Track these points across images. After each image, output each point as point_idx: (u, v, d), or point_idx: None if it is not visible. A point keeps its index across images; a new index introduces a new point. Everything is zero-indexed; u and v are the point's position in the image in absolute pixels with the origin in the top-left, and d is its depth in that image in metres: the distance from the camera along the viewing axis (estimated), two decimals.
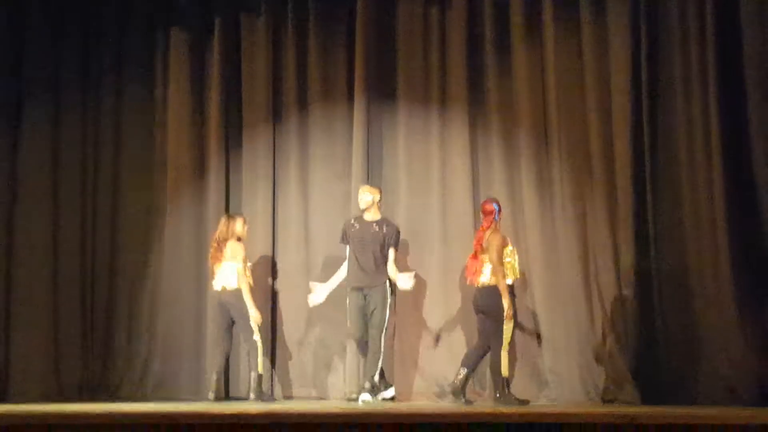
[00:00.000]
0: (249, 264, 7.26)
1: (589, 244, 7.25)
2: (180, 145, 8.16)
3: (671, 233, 7.04)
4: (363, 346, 6.87)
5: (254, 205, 7.96)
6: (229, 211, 7.88)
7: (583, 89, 7.42)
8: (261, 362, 7.09)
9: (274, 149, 8.05)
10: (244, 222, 7.37)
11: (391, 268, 6.89)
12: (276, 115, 8.10)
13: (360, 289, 6.89)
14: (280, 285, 7.91)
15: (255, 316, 7.10)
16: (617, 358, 6.90)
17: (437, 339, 7.39)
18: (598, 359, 6.97)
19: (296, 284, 7.79)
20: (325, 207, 7.90)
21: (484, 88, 7.69)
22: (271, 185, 8.00)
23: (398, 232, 7.02)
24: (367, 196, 7.06)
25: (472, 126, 7.68)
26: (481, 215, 6.76)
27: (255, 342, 7.10)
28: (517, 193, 7.47)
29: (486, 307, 6.44)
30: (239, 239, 7.25)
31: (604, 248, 7.16)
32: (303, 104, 8.06)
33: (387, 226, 6.97)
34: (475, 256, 6.55)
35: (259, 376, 7.08)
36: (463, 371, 6.48)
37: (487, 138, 7.65)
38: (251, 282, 7.21)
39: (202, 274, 7.86)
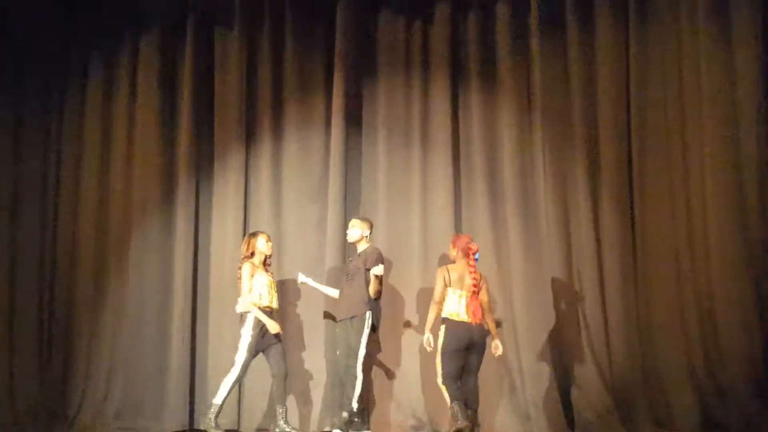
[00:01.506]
0: (252, 284, 6.81)
1: (573, 266, 7.24)
2: (148, 164, 7.87)
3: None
4: (343, 377, 6.71)
5: (224, 228, 7.72)
6: (198, 234, 7.71)
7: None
8: (221, 390, 6.70)
9: (246, 171, 7.82)
10: (268, 238, 6.99)
11: (372, 288, 6.71)
12: (249, 137, 7.86)
13: (342, 320, 6.79)
14: None
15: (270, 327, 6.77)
16: (601, 390, 6.84)
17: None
18: (582, 391, 6.89)
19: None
20: (298, 231, 7.69)
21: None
22: (243, 207, 7.75)
23: (377, 253, 6.81)
24: (355, 231, 6.93)
25: (455, 160, 7.60)
26: (460, 252, 6.51)
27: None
28: (501, 219, 7.44)
29: (480, 343, 6.38)
30: (265, 258, 6.94)
31: (591, 277, 7.16)
32: (277, 126, 7.86)
33: (366, 251, 6.85)
34: (475, 296, 6.42)
35: (214, 405, 6.65)
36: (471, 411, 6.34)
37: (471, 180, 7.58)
38: (255, 302, 6.77)
39: (166, 297, 7.64)
